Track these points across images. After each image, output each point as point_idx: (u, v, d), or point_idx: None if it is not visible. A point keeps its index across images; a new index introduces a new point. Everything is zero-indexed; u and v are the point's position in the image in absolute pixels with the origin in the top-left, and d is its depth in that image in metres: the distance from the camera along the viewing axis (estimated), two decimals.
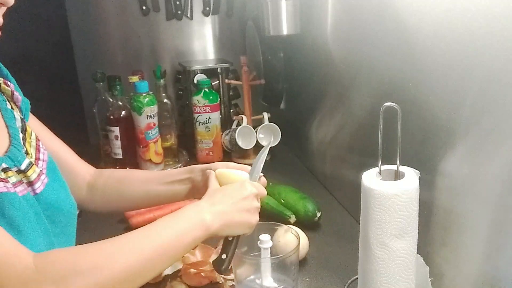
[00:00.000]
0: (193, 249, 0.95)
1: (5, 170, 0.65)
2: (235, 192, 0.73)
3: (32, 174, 0.69)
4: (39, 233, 0.67)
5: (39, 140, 0.77)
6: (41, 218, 0.69)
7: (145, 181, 0.90)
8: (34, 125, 0.81)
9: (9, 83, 0.75)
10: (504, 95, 0.61)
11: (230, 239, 0.74)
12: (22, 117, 0.76)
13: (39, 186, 0.69)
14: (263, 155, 0.82)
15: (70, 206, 0.77)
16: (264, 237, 0.79)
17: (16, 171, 0.67)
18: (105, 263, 0.59)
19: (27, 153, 0.71)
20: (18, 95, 0.76)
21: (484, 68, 0.65)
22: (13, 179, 0.66)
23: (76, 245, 0.80)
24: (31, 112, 0.81)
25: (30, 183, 0.68)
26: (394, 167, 0.73)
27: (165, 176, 0.89)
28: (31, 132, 0.76)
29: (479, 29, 0.65)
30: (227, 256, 0.73)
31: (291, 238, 0.84)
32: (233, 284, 0.85)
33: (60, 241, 0.73)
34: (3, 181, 0.63)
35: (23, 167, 0.68)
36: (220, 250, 0.74)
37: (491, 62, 0.63)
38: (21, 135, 0.72)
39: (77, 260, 0.59)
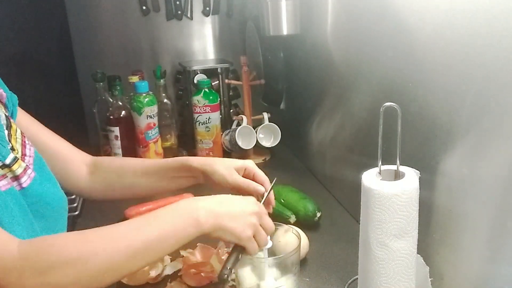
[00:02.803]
0: (192, 250, 0.95)
1: None
2: (236, 202, 0.74)
3: (18, 168, 0.68)
4: (23, 228, 0.66)
5: (24, 136, 0.77)
6: (27, 213, 0.68)
7: (145, 173, 0.90)
8: (24, 119, 0.80)
9: None
10: (504, 95, 0.61)
11: (232, 250, 0.74)
12: (7, 114, 0.75)
13: (25, 180, 0.69)
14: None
15: (59, 201, 0.77)
16: None
17: (0, 166, 0.66)
18: (91, 255, 0.59)
19: (13, 149, 0.71)
20: (3, 91, 0.76)
21: (484, 68, 0.65)
22: None
23: None
24: (27, 109, 0.81)
25: (16, 178, 0.68)
26: (394, 167, 0.73)
27: (167, 171, 0.89)
28: (17, 129, 0.76)
29: (479, 29, 0.65)
30: (229, 268, 0.72)
31: (292, 238, 0.84)
32: (233, 285, 0.85)
33: None
34: None
35: (7, 161, 0.67)
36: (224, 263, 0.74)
37: (491, 62, 0.63)
38: (6, 132, 0.72)
39: (62, 250, 0.58)
